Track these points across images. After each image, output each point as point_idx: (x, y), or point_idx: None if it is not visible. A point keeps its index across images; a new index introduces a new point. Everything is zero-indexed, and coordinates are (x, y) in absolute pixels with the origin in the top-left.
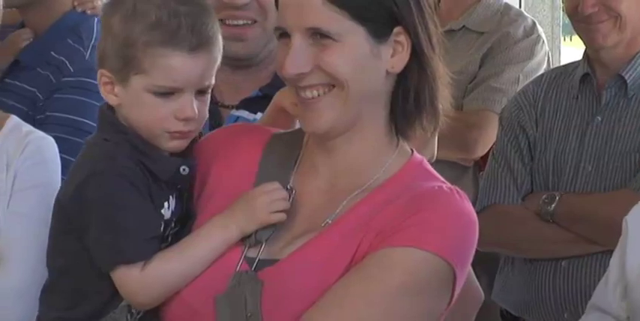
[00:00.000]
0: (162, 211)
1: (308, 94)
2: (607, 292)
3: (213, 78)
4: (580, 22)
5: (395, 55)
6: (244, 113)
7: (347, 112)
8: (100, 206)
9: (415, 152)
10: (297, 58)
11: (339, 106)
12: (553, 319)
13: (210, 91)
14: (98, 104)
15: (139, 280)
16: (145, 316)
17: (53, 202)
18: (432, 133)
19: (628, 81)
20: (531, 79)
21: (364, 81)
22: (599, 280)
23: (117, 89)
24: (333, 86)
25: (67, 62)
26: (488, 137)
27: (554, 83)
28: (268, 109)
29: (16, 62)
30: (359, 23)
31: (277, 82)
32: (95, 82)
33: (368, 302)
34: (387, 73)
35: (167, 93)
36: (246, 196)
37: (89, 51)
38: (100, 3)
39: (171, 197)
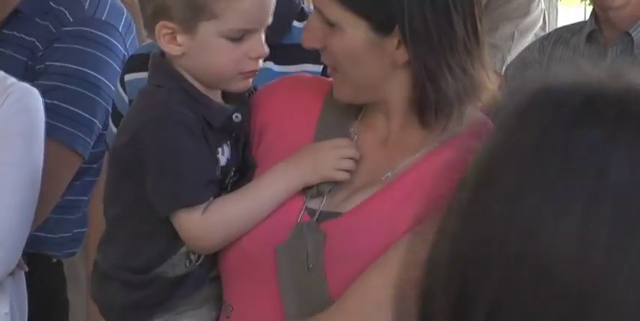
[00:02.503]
0: (218, 156)
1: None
2: None
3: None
4: None
5: (400, 47)
6: None
7: (358, 94)
8: (157, 151)
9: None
10: (308, 34)
11: (347, 87)
12: None
13: None
14: (98, 54)
15: (201, 223)
16: (204, 264)
17: (36, 150)
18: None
19: (635, 39)
20: (527, 36)
21: (362, 71)
22: None
23: (180, 39)
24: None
25: (66, 12)
26: None
27: (561, 40)
28: None
29: (13, 13)
30: (359, 17)
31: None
32: (95, 31)
33: None
34: (395, 63)
35: (239, 35)
36: (315, 146)
37: (88, 1)
38: None
39: (225, 145)
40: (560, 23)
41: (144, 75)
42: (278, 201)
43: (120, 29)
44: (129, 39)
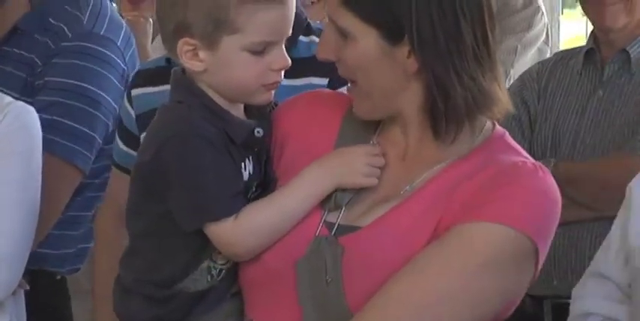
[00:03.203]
0: (241, 171)
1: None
2: (608, 259)
3: None
4: (590, 2)
5: (410, 56)
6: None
7: (376, 108)
8: (180, 167)
9: (497, 125)
10: (322, 46)
11: (365, 101)
12: (542, 287)
13: None
14: (97, 68)
15: (232, 231)
16: (225, 279)
17: (34, 167)
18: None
19: (632, 56)
20: (530, 49)
21: (376, 82)
22: (589, 249)
23: (202, 55)
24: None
25: (65, 28)
26: None
27: (561, 62)
28: None
29: (13, 30)
30: (369, 25)
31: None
32: (93, 46)
33: (448, 276)
34: (406, 73)
35: (262, 48)
36: (346, 150)
37: (87, 17)
38: None
39: (247, 160)
40: (563, 37)
41: (151, 90)
42: (309, 205)
43: (119, 43)
44: (128, 53)
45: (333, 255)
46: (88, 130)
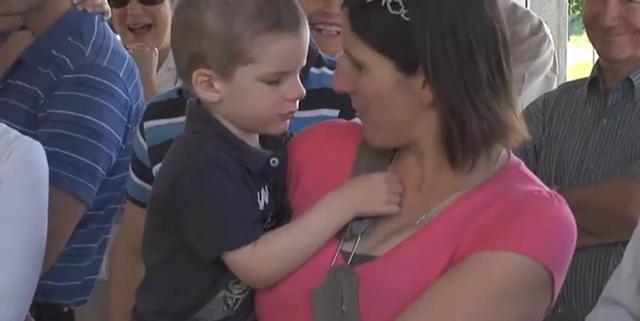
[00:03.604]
0: (257, 201)
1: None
2: (620, 285)
3: None
4: (597, 32)
5: (425, 87)
6: None
7: (390, 137)
8: (198, 196)
9: (512, 155)
10: (338, 77)
11: (378, 131)
12: (547, 314)
13: None
14: (99, 100)
15: (252, 259)
16: (241, 309)
17: (41, 205)
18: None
19: (636, 85)
20: (538, 77)
21: (391, 113)
22: (593, 276)
23: (218, 85)
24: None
25: (67, 60)
26: None
27: (566, 92)
28: None
29: (17, 63)
30: (384, 57)
31: None
32: (95, 77)
33: (464, 305)
34: (422, 103)
35: (277, 78)
36: (364, 178)
37: (89, 48)
38: (100, 1)
39: (263, 190)
40: (570, 63)
41: (163, 122)
42: (328, 233)
43: (121, 75)
44: (131, 84)
45: (349, 284)
46: (90, 162)
